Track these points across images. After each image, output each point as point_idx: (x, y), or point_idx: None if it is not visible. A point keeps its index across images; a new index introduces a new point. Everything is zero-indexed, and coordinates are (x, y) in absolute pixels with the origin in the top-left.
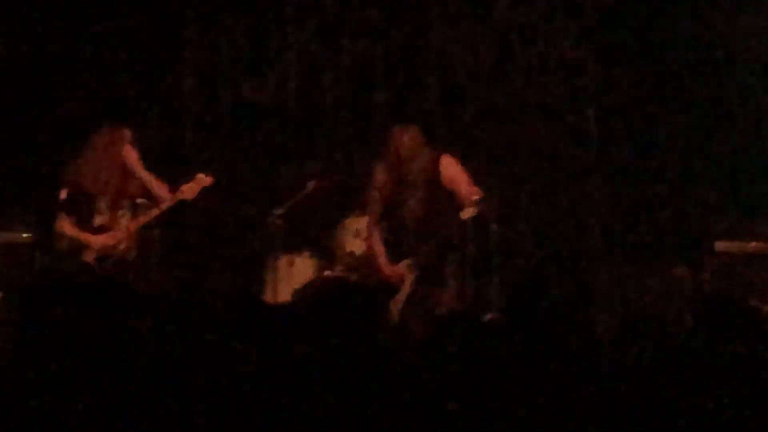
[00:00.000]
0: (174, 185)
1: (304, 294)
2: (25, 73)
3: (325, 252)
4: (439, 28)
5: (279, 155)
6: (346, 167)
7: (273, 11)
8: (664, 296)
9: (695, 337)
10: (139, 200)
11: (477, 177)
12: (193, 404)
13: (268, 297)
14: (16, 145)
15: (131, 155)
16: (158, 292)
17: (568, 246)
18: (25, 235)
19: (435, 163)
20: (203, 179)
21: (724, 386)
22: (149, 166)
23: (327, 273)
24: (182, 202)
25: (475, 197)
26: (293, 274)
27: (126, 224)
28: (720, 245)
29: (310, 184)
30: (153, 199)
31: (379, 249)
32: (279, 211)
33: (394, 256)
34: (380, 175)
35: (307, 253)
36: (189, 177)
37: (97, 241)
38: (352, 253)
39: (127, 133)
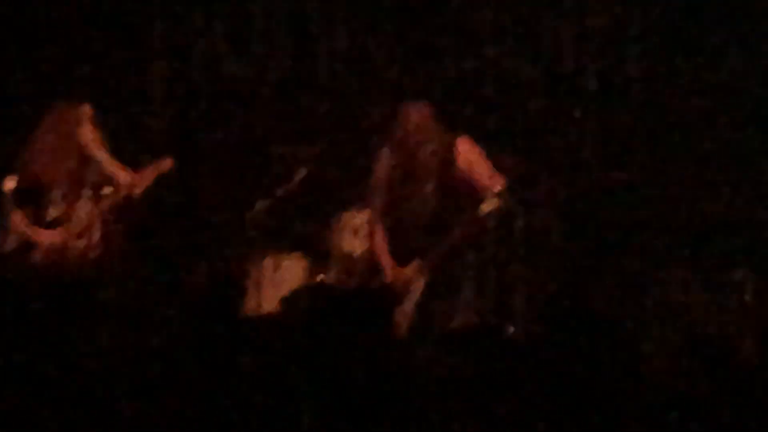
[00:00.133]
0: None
1: (293, 304)
2: None
3: (319, 253)
4: None
5: (263, 138)
6: (343, 152)
7: None
8: (721, 307)
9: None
10: (105, 190)
11: (500, 163)
12: None
13: (249, 307)
14: None
15: (90, 136)
16: (121, 299)
17: (612, 247)
18: None
19: (450, 146)
20: (162, 164)
21: None
22: (113, 150)
23: (321, 278)
24: (149, 192)
25: (498, 187)
26: (280, 280)
27: (85, 217)
28: None
29: (301, 172)
30: (116, 188)
31: (383, 249)
32: (263, 204)
33: (401, 258)
34: (384, 160)
35: (296, 254)
36: (151, 162)
37: (50, 237)
38: (350, 255)
39: (86, 111)
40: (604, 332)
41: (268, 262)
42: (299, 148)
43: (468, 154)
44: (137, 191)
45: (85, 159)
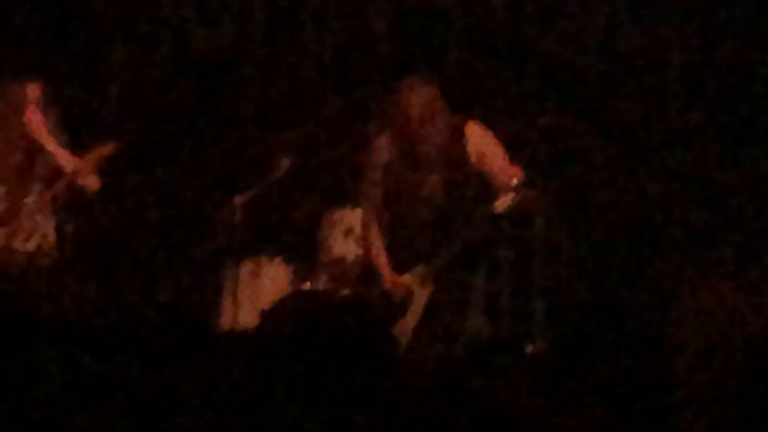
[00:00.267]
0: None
1: (274, 316)
2: None
3: (305, 257)
4: None
5: (239, 122)
6: (333, 138)
7: None
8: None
9: None
10: (57, 184)
11: (518, 152)
12: None
13: (224, 321)
14: None
15: (37, 120)
16: (73, 314)
17: (645, 250)
18: None
19: (459, 131)
20: (104, 148)
21: None
22: (68, 139)
23: (307, 286)
24: (108, 186)
25: (515, 180)
26: (260, 288)
27: (34, 216)
28: None
29: (284, 163)
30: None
31: (380, 253)
32: (241, 200)
33: (401, 263)
34: (382, 149)
35: (279, 259)
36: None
37: None
38: (341, 259)
39: (33, 92)
40: (637, 348)
41: (245, 268)
42: (281, 134)
43: (480, 140)
44: (82, 180)
45: (33, 148)
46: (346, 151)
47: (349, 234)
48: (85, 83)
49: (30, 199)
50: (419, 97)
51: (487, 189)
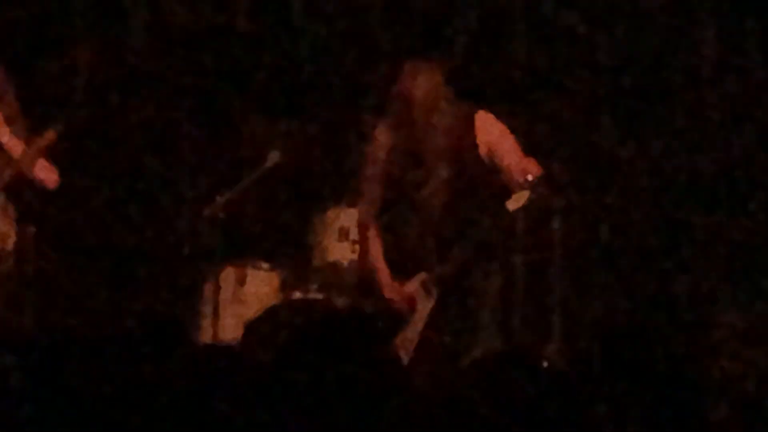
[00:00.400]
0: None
1: (262, 329)
2: None
3: (295, 262)
4: None
5: (223, 112)
6: (327, 129)
7: None
8: None
9: None
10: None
11: (532, 145)
12: None
13: (205, 334)
14: None
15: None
16: (34, 329)
17: (673, 257)
18: None
19: (468, 121)
20: (47, 135)
21: None
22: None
23: (297, 295)
24: (72, 183)
25: (530, 176)
26: (244, 297)
27: None
28: None
29: (273, 157)
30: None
31: (379, 257)
32: (224, 198)
33: (403, 269)
34: (382, 141)
35: (266, 265)
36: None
37: None
38: (336, 264)
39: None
40: (664, 365)
41: (229, 275)
42: (270, 124)
43: (491, 131)
44: (38, 176)
45: None
46: (341, 143)
47: (344, 236)
48: (46, 64)
49: None
50: (423, 82)
51: (499, 186)
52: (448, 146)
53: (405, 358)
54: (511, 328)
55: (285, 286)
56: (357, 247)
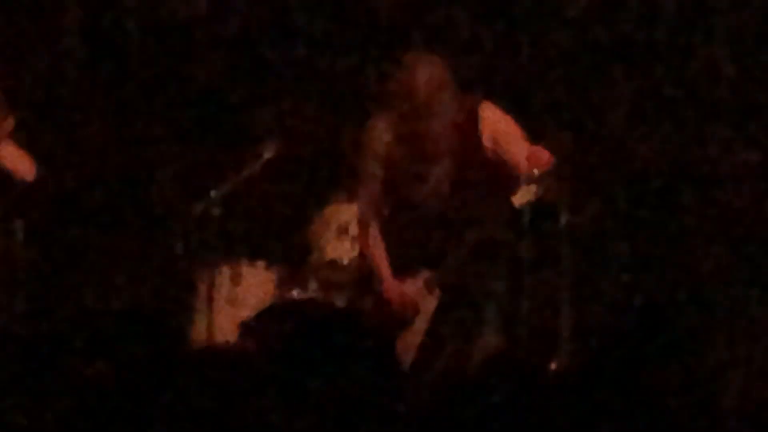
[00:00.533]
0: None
1: (257, 328)
2: None
3: (292, 260)
4: None
5: (217, 102)
6: (326, 121)
7: None
8: None
9: None
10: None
11: (539, 138)
12: None
13: (199, 335)
14: None
15: None
16: (21, 326)
17: (688, 255)
18: None
19: (471, 114)
20: (5, 124)
21: None
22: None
23: (295, 293)
24: (58, 181)
25: (537, 171)
26: (240, 296)
27: None
28: None
29: (269, 150)
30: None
31: (380, 255)
32: (218, 194)
33: (404, 267)
34: (382, 133)
35: (262, 263)
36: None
37: None
38: (335, 262)
39: None
40: (677, 368)
41: (223, 274)
42: (266, 116)
43: (496, 124)
44: (12, 167)
45: None
46: (340, 137)
47: (343, 233)
48: (37, 56)
49: None
50: (424, 73)
51: (505, 180)
52: (450, 139)
53: (407, 361)
54: (516, 326)
55: (282, 285)
56: (357, 244)
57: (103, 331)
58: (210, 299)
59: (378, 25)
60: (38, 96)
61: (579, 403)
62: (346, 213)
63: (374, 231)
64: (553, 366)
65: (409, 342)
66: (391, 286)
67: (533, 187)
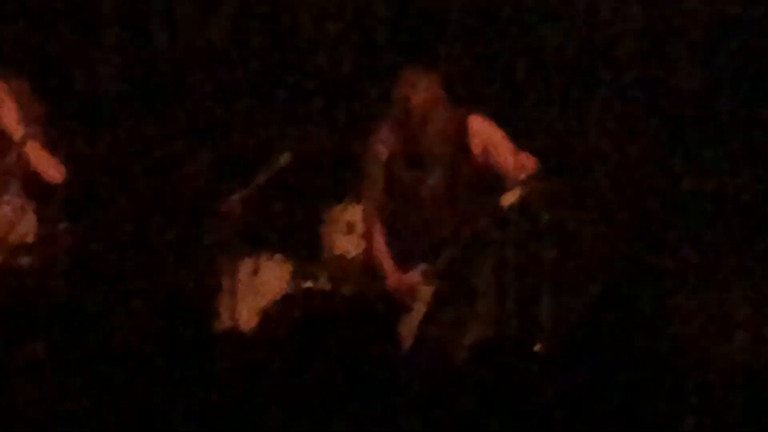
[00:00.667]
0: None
1: (275, 316)
2: None
3: (305, 254)
4: None
5: (237, 115)
6: (333, 132)
7: None
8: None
9: None
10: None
11: (523, 146)
12: None
13: (223, 322)
14: None
15: (9, 116)
16: (64, 311)
17: (662, 247)
18: None
19: (462, 125)
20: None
21: None
22: (54, 130)
23: (308, 284)
24: (93, 182)
25: (522, 175)
26: (259, 287)
27: (14, 217)
28: None
29: (285, 157)
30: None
31: (383, 250)
32: (239, 195)
33: (405, 261)
34: (383, 143)
35: (279, 257)
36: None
37: None
38: (343, 257)
39: (5, 86)
40: (651, 350)
41: (244, 267)
42: (281, 127)
43: (485, 134)
44: (43, 172)
45: (8, 144)
46: (346, 146)
47: (350, 230)
48: (71, 72)
49: (8, 199)
50: (420, 89)
51: (493, 183)
52: (444, 147)
53: (408, 342)
54: (504, 313)
55: (296, 277)
56: (362, 240)
57: (140, 320)
58: (233, 289)
59: (379, 46)
60: (69, 98)
61: (560, 379)
62: (353, 213)
63: (377, 229)
64: (537, 346)
65: (409, 326)
66: (393, 277)
67: (519, 190)
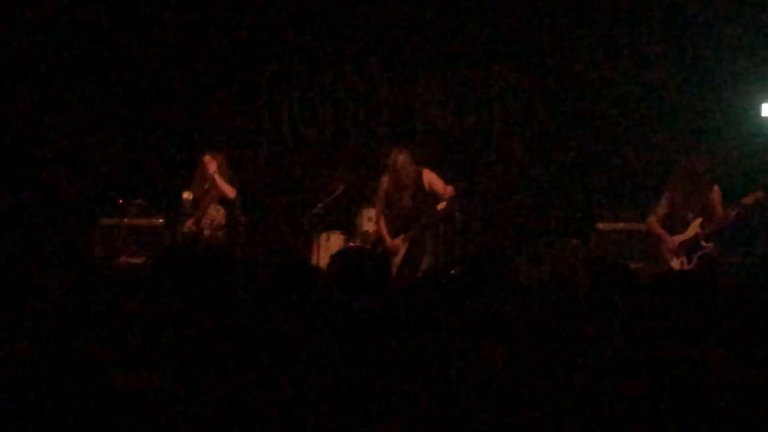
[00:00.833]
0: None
1: (337, 257)
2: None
3: (350, 231)
4: (427, 96)
5: (321, 168)
6: (362, 176)
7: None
8: (567, 259)
9: (591, 288)
10: (221, 201)
11: (448, 182)
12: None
13: (316, 260)
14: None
15: (212, 168)
16: (242, 261)
17: (504, 226)
18: (160, 220)
19: (419, 174)
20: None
21: (608, 316)
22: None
23: (351, 244)
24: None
25: (446, 196)
26: (330, 246)
27: (212, 216)
28: (600, 225)
29: (340, 188)
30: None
31: (384, 229)
32: (321, 205)
33: (394, 234)
34: (384, 182)
35: (338, 232)
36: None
37: (189, 227)
38: (367, 232)
39: (210, 159)
40: (501, 270)
41: (324, 236)
42: (340, 175)
43: (429, 178)
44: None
45: (211, 182)
46: (369, 182)
47: (370, 220)
48: (239, 146)
49: (210, 208)
50: (401, 158)
51: (433, 200)
52: (411, 184)
53: (395, 267)
54: (438, 256)
55: (346, 241)
56: (375, 224)
57: (279, 259)
58: (319, 246)
59: (383, 135)
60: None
61: (462, 285)
62: (371, 213)
63: (382, 220)
64: (453, 272)
65: (396, 261)
66: (389, 241)
67: (445, 203)
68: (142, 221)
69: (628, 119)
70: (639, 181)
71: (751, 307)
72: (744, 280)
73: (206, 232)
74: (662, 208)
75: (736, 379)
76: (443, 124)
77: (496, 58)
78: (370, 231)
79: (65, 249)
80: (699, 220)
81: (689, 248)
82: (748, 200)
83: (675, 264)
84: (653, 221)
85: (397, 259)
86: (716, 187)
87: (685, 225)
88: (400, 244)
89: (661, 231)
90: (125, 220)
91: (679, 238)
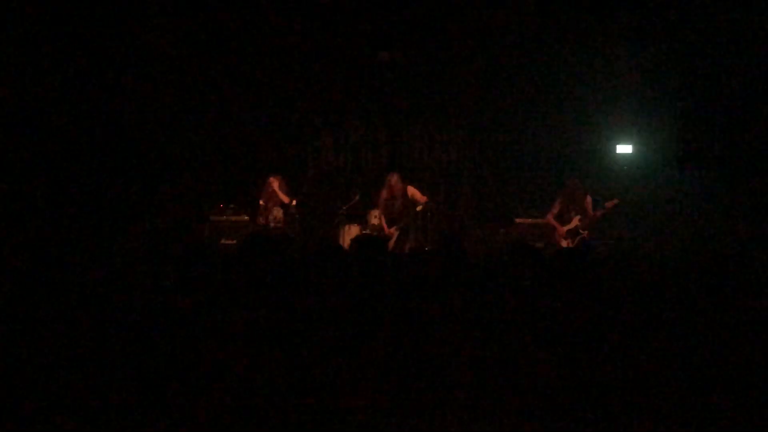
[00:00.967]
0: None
1: (356, 241)
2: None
3: (363, 224)
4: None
5: (345, 185)
6: (371, 190)
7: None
8: (497, 241)
9: (508, 263)
10: (281, 205)
11: (424, 194)
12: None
13: (340, 242)
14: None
15: (276, 185)
16: (298, 240)
17: (458, 220)
18: (245, 217)
19: (405, 188)
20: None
21: (522, 278)
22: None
23: (365, 232)
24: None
25: (422, 202)
26: (350, 233)
27: (276, 215)
28: (517, 219)
29: (356, 197)
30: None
31: (384, 223)
32: (344, 207)
33: (391, 225)
34: (383, 193)
35: (356, 224)
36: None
37: (259, 222)
38: (374, 224)
39: (275, 179)
40: (459, 250)
41: (346, 227)
42: (356, 189)
43: (411, 191)
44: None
45: (276, 194)
46: (375, 194)
47: (375, 217)
48: (297, 171)
49: (274, 210)
50: (394, 178)
51: (414, 204)
52: (400, 195)
53: (391, 247)
54: (418, 240)
55: (361, 230)
56: (379, 220)
57: (316, 243)
58: (344, 233)
59: (383, 165)
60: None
61: (434, 260)
62: (375, 212)
63: (382, 217)
64: (426, 248)
65: (391, 243)
66: (387, 230)
67: (422, 206)
68: (234, 218)
69: (534, 158)
70: (541, 192)
71: (610, 271)
72: (606, 255)
73: (272, 225)
74: (555, 208)
75: (595, 316)
76: (420, 158)
77: (454, 124)
78: (375, 224)
79: (187, 236)
80: (578, 217)
81: (572, 234)
82: (609, 205)
83: (564, 244)
84: (550, 217)
85: (392, 242)
86: (588, 197)
87: (570, 220)
88: (394, 232)
89: (555, 223)
90: (224, 217)
91: (566, 228)
